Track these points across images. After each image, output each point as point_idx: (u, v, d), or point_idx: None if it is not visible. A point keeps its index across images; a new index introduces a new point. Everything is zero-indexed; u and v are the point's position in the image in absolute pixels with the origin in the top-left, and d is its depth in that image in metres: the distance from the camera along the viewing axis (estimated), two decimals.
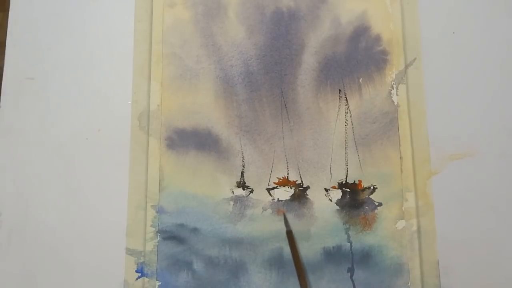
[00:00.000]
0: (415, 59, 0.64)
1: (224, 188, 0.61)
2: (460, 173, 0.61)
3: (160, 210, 0.61)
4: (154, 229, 0.60)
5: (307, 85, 0.64)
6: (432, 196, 0.60)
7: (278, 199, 0.61)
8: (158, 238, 0.60)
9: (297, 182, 0.61)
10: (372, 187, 0.61)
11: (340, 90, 0.63)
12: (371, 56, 0.64)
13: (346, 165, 0.62)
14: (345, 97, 0.63)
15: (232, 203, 0.61)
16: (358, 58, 0.64)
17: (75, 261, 0.60)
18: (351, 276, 0.59)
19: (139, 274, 0.59)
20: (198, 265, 0.59)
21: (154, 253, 0.60)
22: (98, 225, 0.60)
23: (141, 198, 0.61)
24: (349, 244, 0.60)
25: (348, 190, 0.61)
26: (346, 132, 0.62)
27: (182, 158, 0.62)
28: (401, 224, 0.60)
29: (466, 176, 0.61)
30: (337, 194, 0.61)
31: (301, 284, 0.57)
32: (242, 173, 0.62)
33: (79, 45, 0.65)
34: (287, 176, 0.62)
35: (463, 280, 0.58)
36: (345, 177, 0.61)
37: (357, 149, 0.62)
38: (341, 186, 0.61)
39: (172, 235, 0.60)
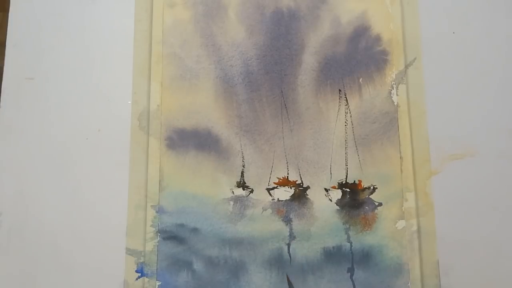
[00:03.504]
0: (415, 59, 0.64)
1: (224, 188, 0.61)
2: (460, 173, 0.61)
3: (160, 210, 0.61)
4: (154, 229, 0.60)
5: (307, 85, 0.64)
6: (432, 196, 0.60)
7: (278, 199, 0.61)
8: (158, 238, 0.60)
9: (297, 182, 0.61)
10: (372, 187, 0.61)
11: (340, 90, 0.63)
12: (371, 56, 0.64)
13: (346, 165, 0.62)
14: (345, 97, 0.63)
15: (232, 203, 0.61)
16: (358, 58, 0.64)
17: (75, 261, 0.60)
18: (351, 276, 0.59)
19: (139, 274, 0.59)
20: (198, 265, 0.59)
21: (154, 253, 0.60)
22: (98, 225, 0.60)
23: (141, 198, 0.61)
24: (349, 244, 0.60)
25: (348, 190, 0.61)
26: (346, 132, 0.62)
27: (182, 158, 0.62)
28: (401, 224, 0.60)
29: (466, 176, 0.61)
30: (337, 194, 0.61)
31: None
32: (242, 173, 0.62)
33: (79, 45, 0.65)
34: (287, 176, 0.62)
35: (463, 280, 0.58)
36: (345, 177, 0.61)
37: (357, 149, 0.62)
38: (341, 186, 0.61)
39: (172, 235, 0.60)
